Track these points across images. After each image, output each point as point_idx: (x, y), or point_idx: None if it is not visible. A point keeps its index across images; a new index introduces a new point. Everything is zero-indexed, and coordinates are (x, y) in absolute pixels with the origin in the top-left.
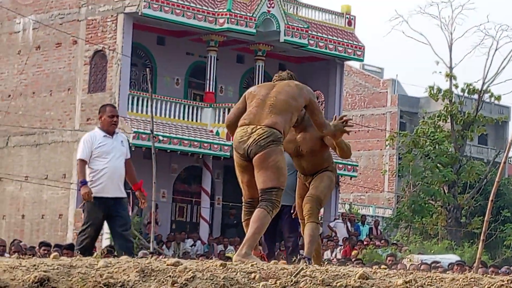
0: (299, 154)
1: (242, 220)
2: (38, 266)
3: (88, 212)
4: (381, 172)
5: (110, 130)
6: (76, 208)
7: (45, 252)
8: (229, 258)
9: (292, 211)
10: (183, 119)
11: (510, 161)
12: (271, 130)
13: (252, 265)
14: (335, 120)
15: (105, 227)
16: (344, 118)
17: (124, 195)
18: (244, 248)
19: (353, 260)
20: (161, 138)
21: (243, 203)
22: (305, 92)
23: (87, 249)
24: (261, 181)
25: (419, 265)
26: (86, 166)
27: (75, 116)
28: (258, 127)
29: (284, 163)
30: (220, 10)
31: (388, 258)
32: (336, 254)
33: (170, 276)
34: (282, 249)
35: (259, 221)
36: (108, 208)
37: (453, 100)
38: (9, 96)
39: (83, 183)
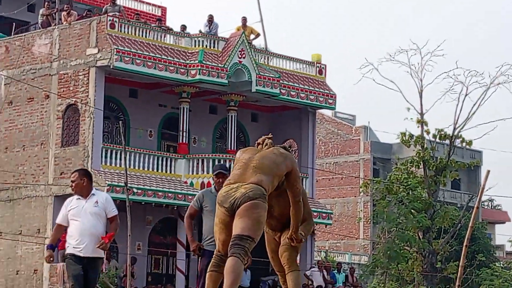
0: (271, 214)
1: (208, 270)
2: None
3: (67, 268)
4: (356, 219)
5: (76, 193)
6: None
7: None
8: None
9: None
10: (157, 170)
11: (484, 205)
12: (258, 186)
13: None
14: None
15: None
16: (300, 238)
17: (98, 255)
18: None
19: None
20: (135, 190)
21: (213, 255)
22: (288, 161)
23: None
24: (240, 227)
25: None
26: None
27: (49, 171)
28: (245, 183)
29: (264, 219)
30: (191, 62)
31: None
32: None
33: None
34: None
35: (235, 272)
36: (83, 265)
37: (425, 146)
38: None
39: (47, 247)
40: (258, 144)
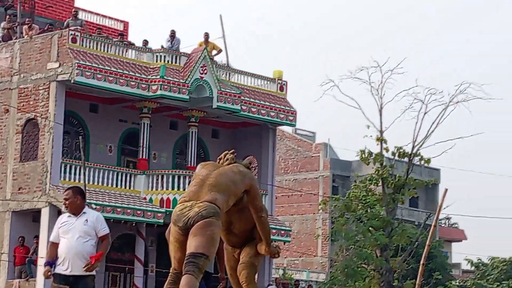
0: (230, 231)
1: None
2: None
3: None
4: (314, 237)
5: (69, 211)
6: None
7: None
8: None
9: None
10: (117, 186)
11: (441, 223)
12: (212, 205)
13: None
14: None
15: None
16: (277, 251)
17: (85, 273)
18: None
19: None
20: (94, 206)
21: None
22: (246, 179)
23: None
24: (194, 246)
25: None
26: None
27: (7, 186)
28: (199, 202)
29: (218, 237)
30: (153, 77)
31: None
32: None
33: None
34: None
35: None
36: (70, 284)
37: (384, 164)
38: None
39: (45, 264)
40: (220, 159)
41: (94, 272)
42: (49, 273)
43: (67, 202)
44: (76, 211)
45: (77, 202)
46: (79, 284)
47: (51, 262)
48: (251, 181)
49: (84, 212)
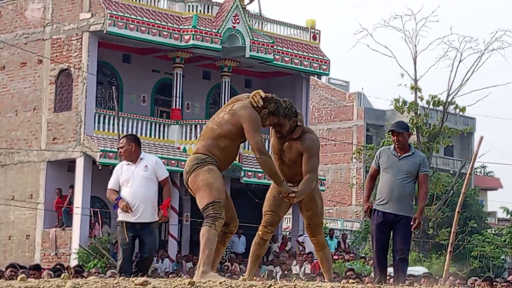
0: (283, 161)
1: None
2: None
3: (117, 235)
4: (349, 186)
5: (125, 159)
6: (49, 228)
7: (12, 273)
8: None
9: (412, 223)
10: (150, 136)
11: (476, 172)
12: (195, 155)
13: (220, 283)
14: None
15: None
16: (291, 193)
17: (150, 220)
18: (201, 267)
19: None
20: None
21: None
22: (233, 118)
23: (124, 271)
24: (198, 203)
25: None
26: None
27: (41, 136)
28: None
29: (214, 177)
30: (185, 27)
31: (348, 272)
32: (304, 269)
33: None
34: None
35: (204, 237)
36: (136, 231)
37: (418, 112)
38: None
39: (117, 199)
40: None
41: (156, 218)
42: (127, 207)
43: (122, 150)
44: (132, 158)
45: (131, 149)
46: (145, 230)
47: (119, 197)
48: (239, 119)
49: (142, 158)
